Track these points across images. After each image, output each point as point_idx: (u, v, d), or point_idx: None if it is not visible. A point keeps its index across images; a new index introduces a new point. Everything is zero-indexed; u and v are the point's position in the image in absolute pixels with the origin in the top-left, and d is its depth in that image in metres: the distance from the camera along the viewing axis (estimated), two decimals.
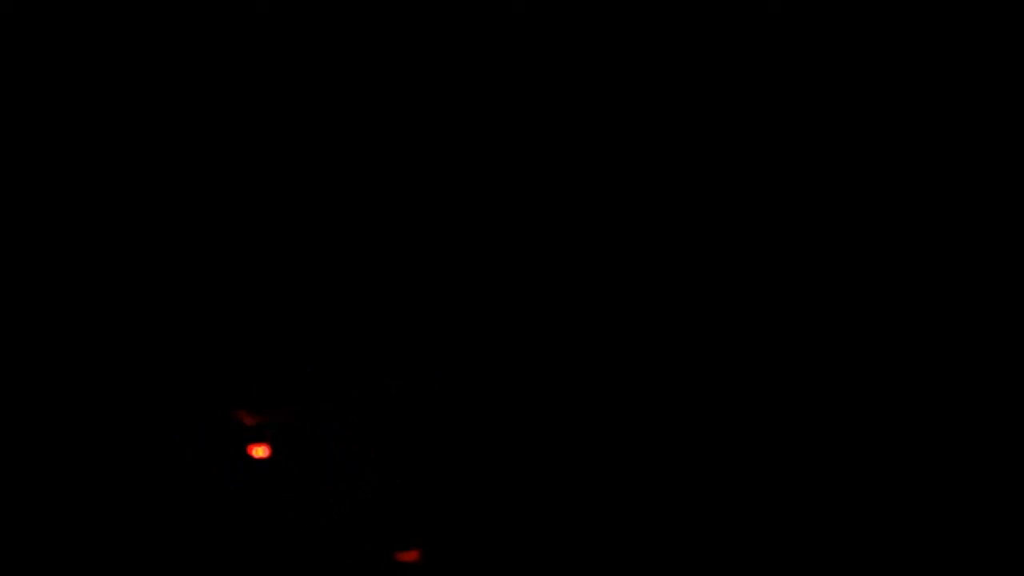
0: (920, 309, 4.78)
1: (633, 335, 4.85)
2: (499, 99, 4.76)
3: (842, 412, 4.79)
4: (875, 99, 4.73)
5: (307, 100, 4.75)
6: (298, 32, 4.68)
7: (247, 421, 4.73)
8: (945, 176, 4.74)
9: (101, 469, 4.74)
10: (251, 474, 4.78)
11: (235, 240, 4.79)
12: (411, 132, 4.79)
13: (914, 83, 4.70)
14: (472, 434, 4.86)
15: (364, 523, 4.78)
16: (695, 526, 4.75)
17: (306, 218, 4.81)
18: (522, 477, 4.82)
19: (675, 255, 4.83)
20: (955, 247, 4.75)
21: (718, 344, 4.83)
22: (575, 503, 4.80)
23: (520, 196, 4.82)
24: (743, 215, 4.81)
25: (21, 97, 4.67)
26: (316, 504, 4.78)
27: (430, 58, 4.72)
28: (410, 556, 4.70)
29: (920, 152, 4.74)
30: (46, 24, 4.60)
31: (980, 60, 4.66)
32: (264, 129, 4.76)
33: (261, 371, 4.80)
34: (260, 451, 4.73)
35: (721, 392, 4.82)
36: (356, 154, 4.81)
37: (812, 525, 4.73)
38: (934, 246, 4.76)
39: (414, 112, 4.77)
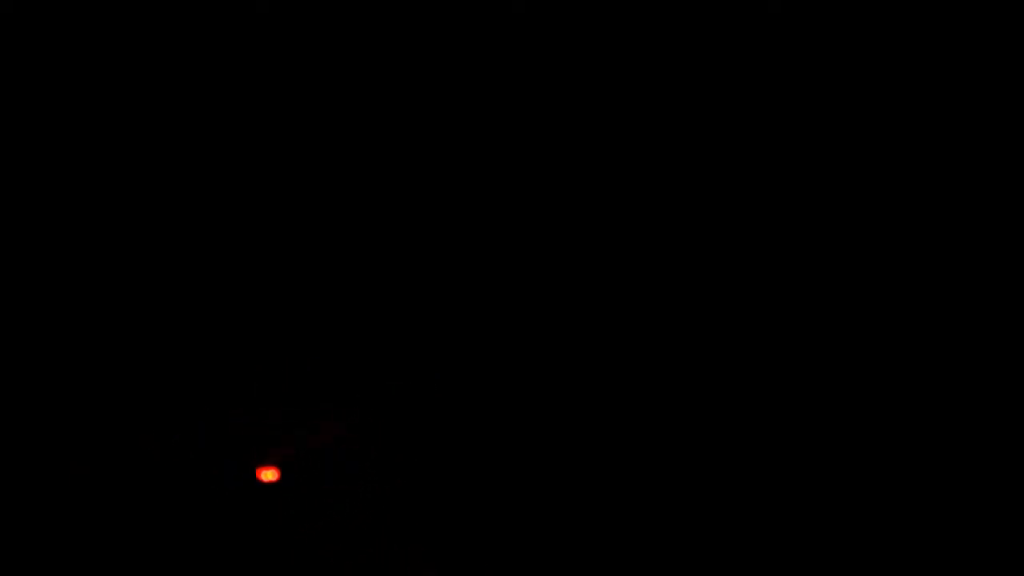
0: (920, 309, 4.78)
1: (633, 335, 4.85)
2: (499, 99, 4.76)
3: (842, 412, 4.80)
4: (875, 99, 4.73)
5: (307, 100, 4.75)
6: (298, 32, 4.68)
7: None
8: (945, 176, 4.75)
9: (101, 469, 4.74)
10: (250, 475, 4.79)
11: (235, 241, 4.79)
12: (411, 132, 4.79)
13: (914, 83, 4.71)
14: (472, 434, 4.86)
15: (363, 524, 4.79)
16: (695, 526, 4.76)
17: (306, 218, 4.81)
18: (522, 478, 4.83)
19: (675, 255, 4.83)
20: (955, 247, 4.75)
21: (718, 344, 4.84)
22: (575, 504, 4.80)
23: (520, 196, 4.82)
24: (743, 215, 4.82)
25: (21, 97, 4.67)
26: (315, 503, 4.79)
27: (430, 58, 4.72)
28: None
29: (920, 152, 4.75)
30: (46, 24, 4.60)
31: (980, 60, 4.66)
32: (264, 129, 4.76)
33: (261, 371, 4.81)
34: (269, 475, 4.74)
35: (721, 392, 4.83)
36: (356, 154, 4.81)
37: (812, 525, 4.74)
38: (934, 246, 4.76)
39: (414, 112, 4.77)
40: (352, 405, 4.85)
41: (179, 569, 4.72)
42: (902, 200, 4.77)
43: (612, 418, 4.84)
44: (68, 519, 4.71)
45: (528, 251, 4.84)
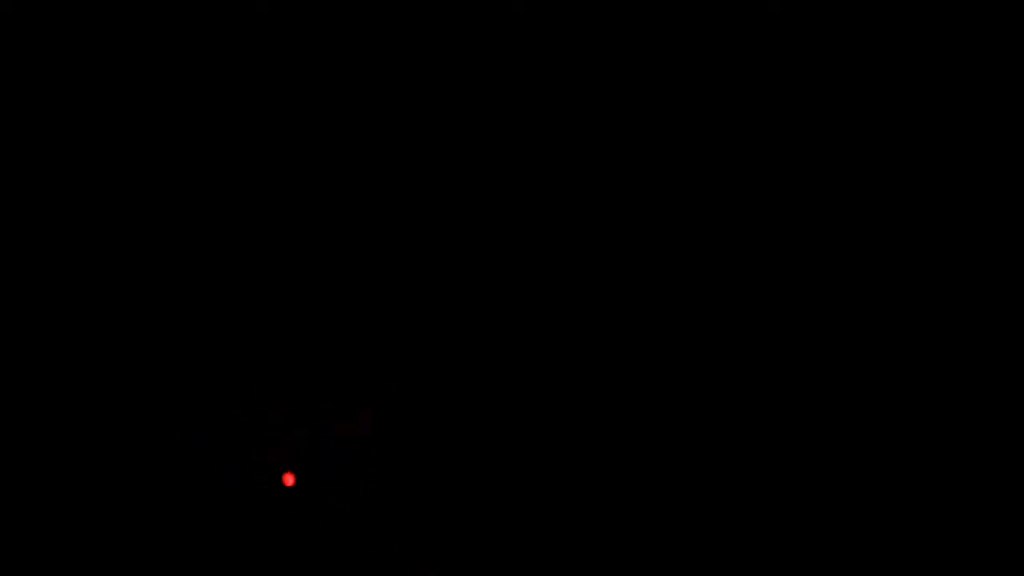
0: (920, 309, 4.78)
1: (632, 335, 4.85)
2: (499, 99, 4.76)
3: (842, 412, 4.80)
4: (874, 99, 4.73)
5: (307, 100, 4.75)
6: (298, 32, 4.68)
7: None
8: (945, 176, 4.75)
9: (101, 469, 4.74)
10: (250, 475, 4.78)
11: (234, 240, 4.79)
12: (411, 132, 4.79)
13: (914, 83, 4.71)
14: (472, 434, 4.86)
15: (364, 524, 4.78)
16: (695, 526, 4.76)
17: (306, 218, 4.81)
18: (522, 478, 4.83)
19: (675, 255, 4.83)
20: (955, 247, 4.75)
21: (718, 344, 4.84)
22: (576, 504, 4.80)
23: (520, 196, 4.82)
24: (743, 215, 4.82)
25: (21, 97, 4.67)
26: (313, 504, 4.79)
27: (430, 58, 4.72)
28: None
29: (920, 152, 4.75)
30: (46, 24, 4.60)
31: (980, 60, 4.66)
32: (264, 129, 4.76)
33: (261, 371, 4.81)
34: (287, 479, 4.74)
35: (721, 392, 4.83)
36: (356, 154, 4.81)
37: (812, 525, 4.73)
38: (934, 246, 4.76)
39: (414, 112, 4.77)
40: (352, 405, 4.85)
41: (179, 571, 4.72)
42: (902, 200, 4.77)
43: (613, 417, 4.84)
44: (68, 519, 4.71)
45: (528, 251, 4.84)
